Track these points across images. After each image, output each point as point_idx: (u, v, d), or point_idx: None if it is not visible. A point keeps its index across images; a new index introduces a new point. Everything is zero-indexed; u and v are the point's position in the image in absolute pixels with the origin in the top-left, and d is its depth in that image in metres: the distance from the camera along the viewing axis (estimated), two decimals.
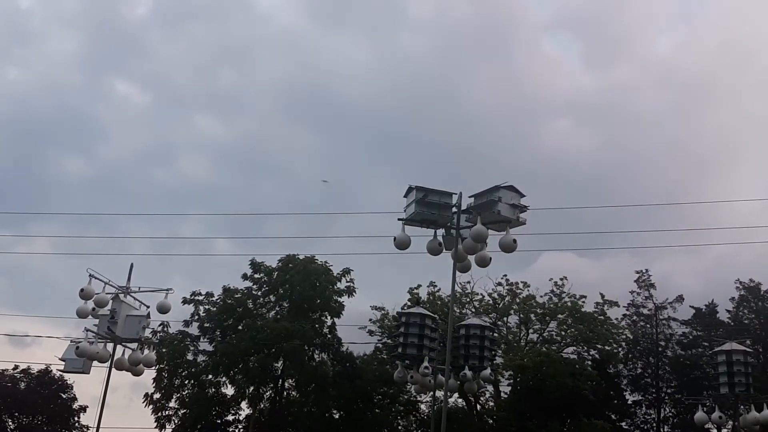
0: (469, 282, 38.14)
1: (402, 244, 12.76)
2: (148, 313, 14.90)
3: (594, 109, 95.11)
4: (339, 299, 38.56)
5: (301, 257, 39.02)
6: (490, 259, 13.10)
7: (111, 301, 14.48)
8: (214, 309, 37.89)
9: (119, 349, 14.91)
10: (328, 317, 38.69)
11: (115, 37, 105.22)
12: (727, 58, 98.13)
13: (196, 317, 37.59)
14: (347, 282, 38.74)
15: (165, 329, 36.48)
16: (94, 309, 14.52)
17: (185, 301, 37.55)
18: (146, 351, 14.90)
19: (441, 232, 13.28)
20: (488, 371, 16.47)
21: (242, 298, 38.18)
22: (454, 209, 13.01)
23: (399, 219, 12.91)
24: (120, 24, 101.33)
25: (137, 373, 15.34)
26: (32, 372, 39.38)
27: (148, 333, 14.97)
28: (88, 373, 15.01)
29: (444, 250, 13.37)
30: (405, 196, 13.05)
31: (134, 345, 14.91)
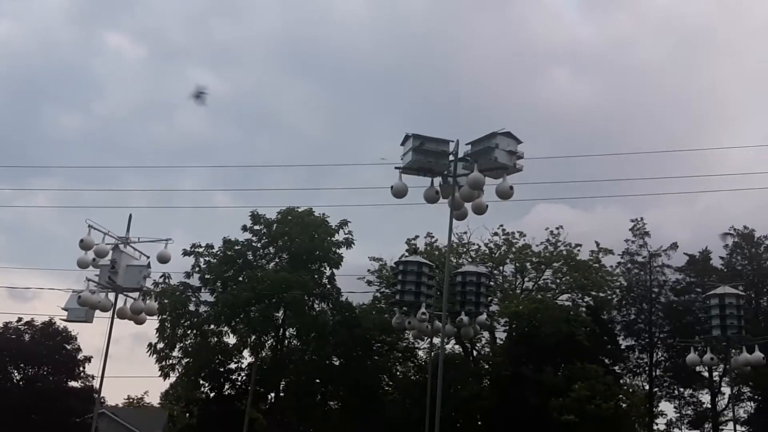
0: (465, 232, 38.45)
1: (399, 192, 12.84)
2: (149, 263, 15.06)
3: (592, 58, 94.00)
4: (337, 251, 38.86)
5: (300, 210, 39.18)
6: (487, 206, 13.23)
7: (111, 252, 14.60)
8: (215, 261, 38.16)
9: (121, 298, 15.12)
10: (327, 268, 39.06)
11: None
12: (726, 9, 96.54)
13: (197, 269, 37.88)
14: (345, 234, 39.03)
15: (166, 280, 36.90)
16: (94, 259, 14.66)
17: (185, 253, 37.80)
18: (148, 300, 15.11)
19: (438, 180, 13.35)
20: (484, 316, 16.81)
21: (242, 250, 38.45)
22: (451, 157, 13.03)
23: (396, 167, 12.95)
24: None
25: (139, 322, 15.60)
26: (36, 324, 39.93)
27: (149, 283, 15.13)
28: (91, 322, 15.26)
29: (441, 198, 13.45)
30: (402, 144, 13.06)
31: (135, 294, 15.10)
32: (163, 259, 15.05)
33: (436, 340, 18.29)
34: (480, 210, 12.95)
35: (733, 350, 17.13)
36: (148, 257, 15.36)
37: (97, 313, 15.34)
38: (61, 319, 15.54)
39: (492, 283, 33.81)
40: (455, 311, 16.38)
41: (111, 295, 15.04)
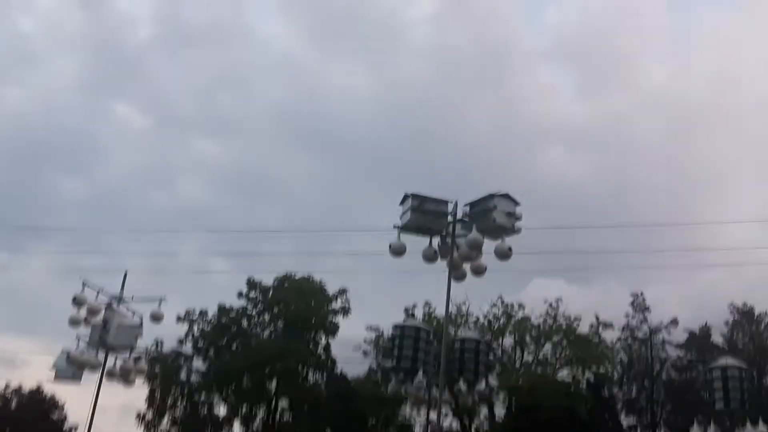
0: (464, 303, 38.01)
1: (397, 250, 12.76)
2: (141, 323, 14.79)
3: (587, 136, 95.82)
4: (334, 319, 38.48)
5: (296, 277, 39.02)
6: (486, 268, 13.11)
7: (104, 310, 14.39)
8: (208, 328, 37.70)
9: (111, 359, 14.78)
10: (323, 337, 38.55)
11: (116, 60, 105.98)
12: (719, 84, 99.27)
13: (191, 336, 37.36)
14: (342, 302, 38.73)
15: (158, 347, 36.30)
16: (86, 318, 14.42)
17: (179, 319, 37.37)
18: (138, 363, 14.78)
19: (437, 240, 13.30)
20: (483, 385, 16.36)
21: (237, 317, 38.09)
22: (450, 217, 13.04)
23: (395, 226, 12.91)
24: (121, 47, 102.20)
25: (129, 383, 15.18)
26: (23, 391, 38.97)
27: (140, 344, 14.85)
28: (79, 382, 14.83)
29: (440, 258, 13.36)
30: (401, 204, 13.08)
31: (126, 355, 14.79)
32: (157, 318, 14.81)
33: (433, 416, 17.73)
34: (479, 271, 12.84)
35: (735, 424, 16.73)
36: (141, 317, 15.11)
37: (85, 378, 14.98)
38: (48, 380, 15.08)
39: (491, 357, 33.22)
40: (453, 378, 15.96)
41: (101, 356, 14.71)
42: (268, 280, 39.26)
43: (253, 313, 38.79)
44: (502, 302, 38.90)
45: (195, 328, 37.53)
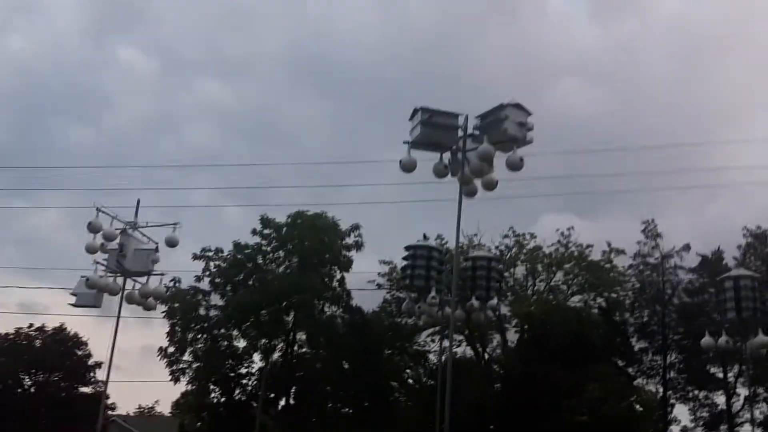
0: (476, 234, 38.20)
1: (408, 166, 12.74)
2: (157, 247, 15.02)
3: (601, 66, 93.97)
4: (347, 254, 38.78)
5: (309, 213, 39.19)
6: (497, 182, 13.09)
7: (119, 236, 14.58)
8: (225, 265, 38.18)
9: (129, 284, 15.08)
10: (337, 271, 38.97)
11: (119, 3, 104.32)
12: (734, 7, 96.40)
13: (207, 273, 37.89)
14: (356, 237, 38.96)
15: (176, 284, 36.93)
16: (102, 244, 14.63)
17: (195, 257, 37.85)
18: (155, 285, 15.08)
19: (447, 155, 13.26)
20: (495, 301, 16.59)
21: (252, 254, 38.44)
22: (460, 131, 12.95)
23: (404, 142, 12.86)
24: None
25: (148, 308, 15.53)
26: (47, 330, 40.00)
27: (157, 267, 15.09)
28: (99, 307, 15.19)
29: (450, 175, 13.35)
30: (410, 119, 12.99)
31: (143, 279, 15.09)
32: (171, 243, 15.01)
33: (447, 344, 18.06)
34: (490, 185, 12.82)
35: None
36: (157, 244, 15.32)
37: (105, 308, 15.32)
38: (69, 304, 15.43)
39: (503, 286, 33.62)
40: (466, 296, 16.20)
41: (119, 280, 15.01)
42: (281, 218, 39.53)
43: (268, 249, 39.13)
44: (514, 232, 39.16)
45: (211, 265, 38.01)
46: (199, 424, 50.12)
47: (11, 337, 39.21)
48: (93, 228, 14.33)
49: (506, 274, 38.39)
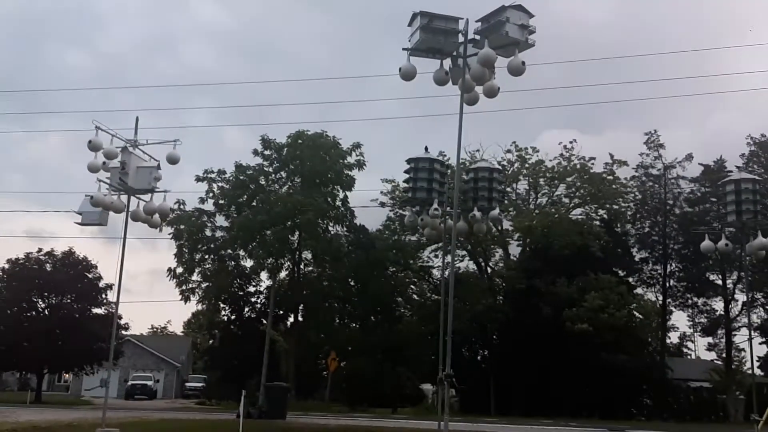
0: (478, 150, 38.07)
1: (408, 74, 12.46)
2: (159, 164, 15.00)
3: None
4: (350, 173, 38.73)
5: (310, 132, 38.89)
6: (499, 89, 12.85)
7: (120, 154, 14.55)
8: (228, 186, 38.23)
9: (133, 202, 15.15)
10: (340, 190, 39.04)
11: None
12: None
13: (211, 194, 38.00)
14: (357, 156, 38.79)
15: (181, 207, 37.14)
16: (104, 163, 14.60)
17: (198, 179, 37.85)
18: (160, 201, 15.14)
19: (448, 62, 12.98)
20: (497, 211, 16.66)
21: (254, 174, 38.39)
22: (461, 36, 12.62)
23: (403, 48, 12.56)
24: None
25: (153, 225, 15.66)
26: (56, 254, 40.52)
27: (160, 185, 15.11)
28: (105, 225, 15.32)
29: (451, 82, 13.11)
30: (409, 25, 12.64)
31: (147, 197, 15.14)
32: (173, 160, 14.94)
33: (449, 258, 18.23)
34: (492, 93, 12.59)
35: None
36: (158, 162, 15.29)
37: (112, 232, 15.31)
38: (75, 222, 15.55)
39: (506, 201, 33.76)
40: (468, 207, 16.26)
41: (123, 198, 15.08)
42: (281, 138, 39.25)
43: (270, 170, 39.08)
44: (516, 147, 38.97)
45: (214, 186, 38.07)
46: (210, 341, 51.82)
47: (22, 261, 39.78)
48: (93, 146, 14.24)
49: (509, 189, 38.56)
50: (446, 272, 19.78)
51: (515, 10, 11.90)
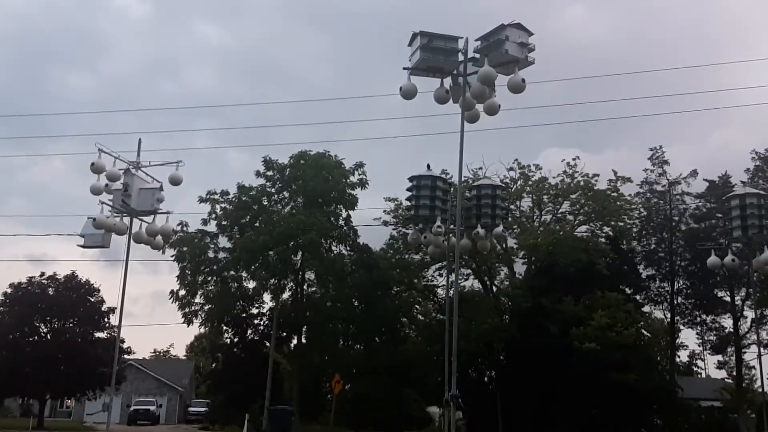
0: (480, 168, 37.97)
1: (408, 93, 12.47)
2: (161, 186, 14.96)
3: None
4: (352, 192, 38.72)
5: (312, 153, 38.96)
6: (499, 106, 12.84)
7: (123, 176, 14.52)
8: (230, 207, 38.26)
9: (136, 224, 15.10)
10: (343, 210, 39.01)
11: None
12: None
13: (213, 215, 38.02)
14: (360, 175, 38.82)
15: (184, 228, 37.11)
16: (107, 185, 14.59)
17: (201, 200, 37.93)
18: (163, 222, 15.09)
19: (448, 81, 12.99)
20: (500, 228, 16.56)
21: (257, 195, 38.45)
22: (461, 55, 12.63)
23: (404, 68, 12.57)
24: None
25: (156, 247, 15.59)
26: (58, 278, 40.40)
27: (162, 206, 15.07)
28: (108, 247, 15.25)
29: (451, 101, 13.11)
30: (409, 45, 12.66)
31: (150, 218, 15.08)
32: (175, 181, 14.91)
33: (453, 276, 18.08)
34: (492, 110, 12.58)
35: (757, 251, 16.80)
36: (161, 183, 15.26)
37: (114, 255, 15.30)
38: (78, 245, 15.49)
39: (509, 218, 33.61)
40: (471, 225, 16.17)
41: (126, 220, 15.03)
42: (284, 159, 39.34)
43: (272, 190, 39.12)
44: (519, 164, 38.87)
45: (217, 208, 38.10)
46: (213, 364, 51.47)
47: (24, 285, 39.68)
48: (96, 168, 14.24)
49: (512, 206, 38.39)
50: (451, 291, 19.64)
51: (514, 29, 11.94)
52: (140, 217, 14.98)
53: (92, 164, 14.26)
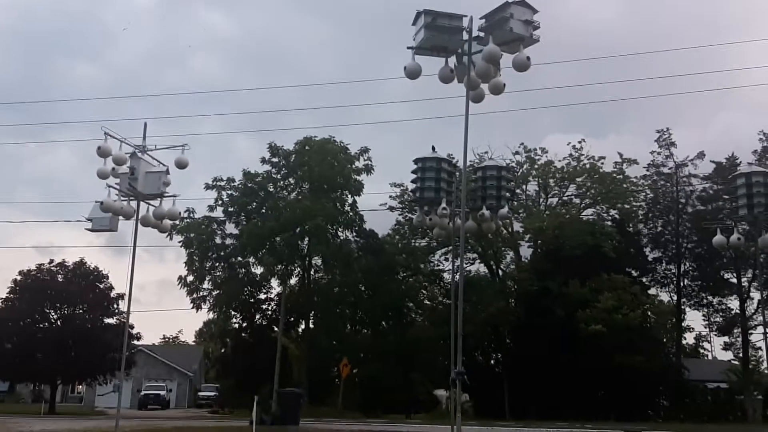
0: (486, 152, 37.92)
1: (413, 72, 12.43)
2: (167, 169, 15.01)
3: None
4: (358, 177, 38.73)
5: (317, 138, 38.92)
6: (504, 85, 12.79)
7: (129, 159, 14.58)
8: (237, 194, 38.33)
9: (143, 207, 15.17)
10: (349, 195, 39.02)
11: None
12: None
13: (220, 202, 38.12)
14: (365, 160, 38.80)
15: (191, 215, 37.26)
16: (113, 168, 14.65)
17: (208, 187, 37.98)
18: (169, 205, 15.14)
19: (453, 60, 12.94)
20: (506, 209, 16.53)
21: (263, 182, 38.48)
22: (465, 34, 12.57)
23: (408, 47, 12.53)
24: None
25: (163, 230, 15.67)
26: (67, 265, 40.64)
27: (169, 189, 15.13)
28: (115, 230, 15.33)
29: (456, 80, 13.05)
30: (413, 24, 12.62)
31: (157, 202, 15.16)
32: (181, 165, 14.96)
33: (459, 259, 18.11)
34: (497, 89, 12.53)
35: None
36: (167, 167, 15.31)
37: (121, 240, 15.33)
38: (85, 229, 15.59)
39: (515, 203, 33.61)
40: (476, 206, 16.17)
41: (133, 204, 15.12)
42: (289, 146, 39.34)
43: (278, 177, 39.14)
44: (525, 148, 38.81)
45: (224, 194, 38.18)
46: (222, 350, 51.81)
47: (34, 273, 39.95)
48: (102, 152, 14.30)
49: (518, 190, 38.39)
50: (457, 275, 19.70)
51: (519, 6, 11.85)
52: (147, 201, 15.04)
53: (99, 148, 14.32)
